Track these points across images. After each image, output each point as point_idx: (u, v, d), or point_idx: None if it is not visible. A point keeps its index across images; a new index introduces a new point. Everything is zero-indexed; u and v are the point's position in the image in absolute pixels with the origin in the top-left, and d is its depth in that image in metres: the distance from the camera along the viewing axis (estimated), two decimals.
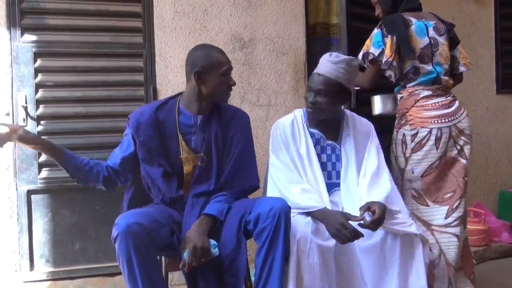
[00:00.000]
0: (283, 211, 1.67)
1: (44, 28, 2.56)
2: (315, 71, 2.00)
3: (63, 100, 2.60)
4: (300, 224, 1.77)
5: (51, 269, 2.60)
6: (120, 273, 2.58)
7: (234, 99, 2.78)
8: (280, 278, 1.67)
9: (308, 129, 2.05)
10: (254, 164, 1.98)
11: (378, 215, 1.73)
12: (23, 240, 2.55)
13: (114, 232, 1.55)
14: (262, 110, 2.84)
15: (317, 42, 3.04)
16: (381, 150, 2.05)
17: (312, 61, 2.97)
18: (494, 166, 3.56)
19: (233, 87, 1.93)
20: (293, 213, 1.84)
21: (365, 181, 1.94)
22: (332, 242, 1.78)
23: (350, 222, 1.74)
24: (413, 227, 1.81)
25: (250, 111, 2.76)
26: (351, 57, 2.00)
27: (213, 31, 2.76)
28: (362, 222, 1.74)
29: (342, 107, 2.10)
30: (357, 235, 1.73)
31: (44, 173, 2.58)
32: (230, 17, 2.79)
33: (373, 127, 2.10)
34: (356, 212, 1.87)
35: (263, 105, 2.85)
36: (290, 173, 1.95)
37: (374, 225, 1.73)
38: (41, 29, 2.56)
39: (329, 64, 1.95)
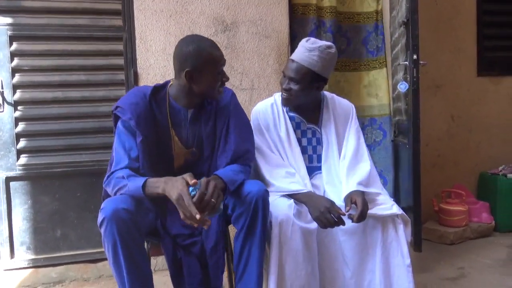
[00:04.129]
0: (260, 196, 1.64)
1: (19, 11, 2.49)
2: (291, 56, 1.95)
3: (40, 84, 2.54)
4: (283, 207, 1.76)
5: (33, 257, 2.57)
6: (103, 259, 2.61)
7: None
8: (258, 265, 1.66)
9: (288, 113, 2.02)
10: (252, 138, 1.89)
11: (361, 209, 1.72)
12: (2, 227, 2.51)
13: (100, 217, 1.50)
14: (245, 94, 2.81)
15: (304, 23, 2.99)
16: (361, 132, 2.05)
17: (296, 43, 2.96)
18: (474, 148, 3.60)
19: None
20: (276, 196, 1.85)
21: (344, 164, 1.94)
22: (314, 224, 1.78)
23: None
24: (394, 208, 1.83)
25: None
26: (328, 43, 1.91)
27: (195, 14, 2.71)
28: (349, 214, 1.75)
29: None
30: (339, 222, 1.73)
31: (23, 159, 2.53)
32: None
33: (353, 108, 2.08)
34: (338, 195, 1.89)
35: (246, 89, 2.82)
36: (273, 156, 1.94)
37: (358, 220, 1.73)
38: (17, 12, 2.48)
39: (303, 50, 1.89)
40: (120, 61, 2.61)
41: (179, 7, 2.68)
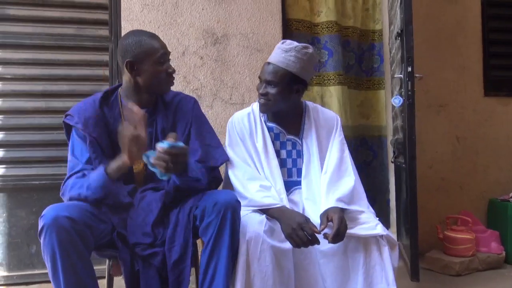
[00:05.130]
0: (230, 206, 1.51)
1: (4, 19, 2.46)
2: (267, 60, 1.84)
3: (23, 94, 2.49)
4: (252, 222, 1.61)
5: (5, 274, 2.46)
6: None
7: (206, 97, 2.66)
8: (225, 282, 1.50)
9: (266, 123, 1.89)
10: (217, 142, 1.82)
11: (336, 227, 1.55)
12: None
13: (40, 224, 1.39)
14: (235, 109, 2.69)
15: (297, 39, 2.91)
16: (346, 145, 1.89)
17: None
18: (482, 172, 3.39)
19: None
20: (248, 210, 1.70)
21: (325, 178, 1.78)
22: (289, 244, 1.61)
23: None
24: (378, 228, 1.66)
25: (223, 109, 2.64)
26: (304, 44, 1.81)
27: (184, 26, 2.65)
28: (324, 234, 1.59)
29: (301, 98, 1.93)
30: (313, 240, 1.57)
31: (0, 170, 2.45)
32: (202, 11, 2.68)
33: (338, 119, 1.93)
34: (318, 213, 1.72)
35: (236, 104, 2.72)
36: (248, 169, 1.80)
37: (334, 241, 1.57)
38: (2, 20, 2.46)
39: (279, 52, 1.80)
40: (105, 72, 2.55)
41: (168, 18, 2.63)
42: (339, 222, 1.57)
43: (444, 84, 3.29)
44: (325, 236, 1.57)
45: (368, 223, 1.67)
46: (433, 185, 3.22)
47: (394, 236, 2.89)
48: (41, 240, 1.39)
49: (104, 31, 2.56)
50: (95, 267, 1.48)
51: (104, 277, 2.23)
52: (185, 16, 2.65)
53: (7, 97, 2.46)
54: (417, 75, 2.34)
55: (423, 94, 3.16)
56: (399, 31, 2.39)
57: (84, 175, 1.59)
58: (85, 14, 2.55)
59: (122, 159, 1.53)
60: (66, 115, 1.71)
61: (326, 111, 1.97)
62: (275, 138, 1.87)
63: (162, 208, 1.62)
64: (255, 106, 1.94)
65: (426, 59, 3.11)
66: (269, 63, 1.81)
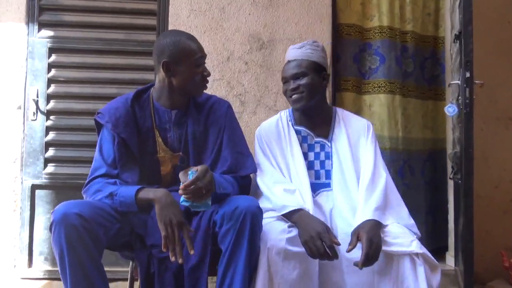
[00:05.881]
0: (250, 212, 1.43)
1: (60, 25, 2.58)
2: (285, 61, 1.89)
3: (73, 96, 2.58)
4: (274, 231, 1.52)
5: (49, 268, 2.54)
6: (116, 279, 2.49)
7: (250, 103, 2.61)
8: None
9: (293, 127, 1.88)
10: (248, 150, 1.79)
11: (364, 255, 1.44)
12: (23, 235, 2.51)
13: (51, 220, 1.40)
14: None
15: (348, 44, 2.77)
16: (378, 151, 1.79)
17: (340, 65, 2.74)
18: None
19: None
20: (272, 218, 1.60)
21: (363, 186, 1.68)
22: None
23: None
24: (414, 245, 1.49)
25: (266, 116, 2.54)
26: (312, 39, 1.93)
27: (230, 30, 2.62)
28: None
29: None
30: (331, 254, 1.45)
31: (50, 168, 2.55)
32: (249, 16, 2.64)
33: (370, 125, 1.87)
34: (347, 221, 1.61)
35: (281, 110, 2.62)
36: (274, 173, 1.76)
37: (365, 265, 1.44)
38: (57, 25, 2.58)
39: (293, 50, 1.86)
40: (151, 76, 2.58)
41: (214, 23, 2.62)
42: (368, 245, 1.44)
43: None
44: (355, 264, 1.45)
45: (402, 238, 1.50)
46: (499, 207, 2.88)
47: (451, 260, 2.63)
48: (52, 236, 1.39)
49: (151, 36, 2.60)
50: (118, 269, 1.46)
51: (119, 280, 2.25)
52: (231, 21, 2.63)
53: (59, 99, 2.57)
54: (476, 81, 2.10)
55: (490, 105, 2.86)
56: (457, 33, 2.17)
57: (115, 183, 1.58)
58: (134, 19, 2.60)
59: (157, 196, 1.49)
60: (98, 113, 1.74)
61: (357, 116, 1.96)
62: (302, 141, 1.85)
63: (185, 211, 1.57)
64: (283, 113, 1.96)
65: (494, 68, 2.82)
66: (289, 61, 1.85)
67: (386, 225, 1.57)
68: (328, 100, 2.59)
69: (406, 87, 2.79)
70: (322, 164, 1.82)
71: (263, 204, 1.61)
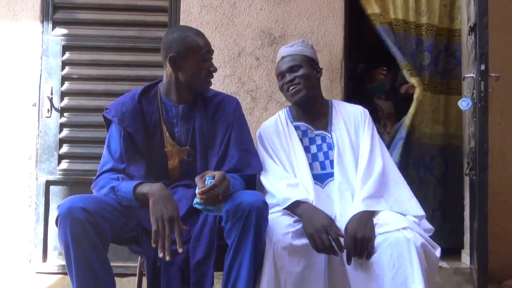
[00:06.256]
0: (255, 207, 1.43)
1: (74, 22, 2.62)
2: (278, 58, 1.97)
3: (86, 93, 2.61)
4: (279, 226, 1.52)
5: (63, 263, 2.48)
6: (129, 274, 2.51)
7: (261, 98, 2.60)
8: None
9: (292, 124, 1.93)
10: (255, 149, 1.82)
11: (346, 250, 1.47)
12: (38, 230, 2.56)
13: (56, 214, 1.42)
14: None
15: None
16: (375, 136, 1.83)
17: None
18: None
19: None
20: (279, 213, 1.60)
21: (359, 175, 1.71)
22: None
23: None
24: (405, 230, 1.47)
25: (277, 112, 2.54)
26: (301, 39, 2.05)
27: (241, 26, 2.61)
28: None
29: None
30: (337, 247, 1.46)
31: (64, 164, 2.59)
32: (260, 11, 2.62)
33: (366, 112, 1.92)
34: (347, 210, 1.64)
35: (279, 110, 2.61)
36: (277, 169, 1.79)
37: (348, 261, 1.48)
38: (71, 23, 2.61)
39: (286, 49, 1.94)
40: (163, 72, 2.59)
41: (225, 19, 2.62)
42: (349, 241, 1.47)
43: None
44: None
45: (394, 223, 1.50)
46: None
47: (467, 258, 2.58)
48: (58, 230, 1.41)
49: (163, 33, 2.55)
50: (131, 264, 1.47)
51: (129, 275, 2.26)
52: (242, 17, 2.62)
53: (73, 96, 2.61)
54: (492, 74, 2.05)
55: (508, 99, 2.80)
56: (472, 25, 2.12)
57: (118, 178, 1.60)
58: (146, 16, 2.62)
59: (151, 191, 1.49)
60: (106, 109, 1.76)
61: (352, 105, 1.99)
62: (303, 135, 1.89)
63: (192, 206, 1.58)
64: (281, 112, 2.01)
65: None
66: (282, 57, 1.92)
67: (380, 211, 1.58)
68: (341, 92, 2.57)
69: (421, 80, 2.74)
70: (326, 154, 1.84)
71: (268, 200, 1.60)
